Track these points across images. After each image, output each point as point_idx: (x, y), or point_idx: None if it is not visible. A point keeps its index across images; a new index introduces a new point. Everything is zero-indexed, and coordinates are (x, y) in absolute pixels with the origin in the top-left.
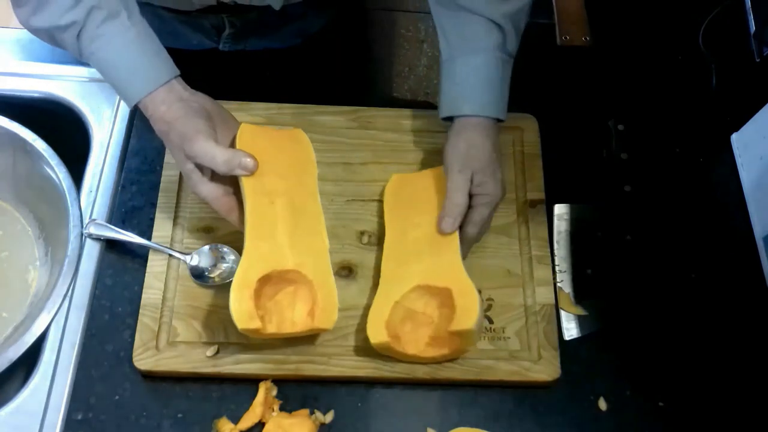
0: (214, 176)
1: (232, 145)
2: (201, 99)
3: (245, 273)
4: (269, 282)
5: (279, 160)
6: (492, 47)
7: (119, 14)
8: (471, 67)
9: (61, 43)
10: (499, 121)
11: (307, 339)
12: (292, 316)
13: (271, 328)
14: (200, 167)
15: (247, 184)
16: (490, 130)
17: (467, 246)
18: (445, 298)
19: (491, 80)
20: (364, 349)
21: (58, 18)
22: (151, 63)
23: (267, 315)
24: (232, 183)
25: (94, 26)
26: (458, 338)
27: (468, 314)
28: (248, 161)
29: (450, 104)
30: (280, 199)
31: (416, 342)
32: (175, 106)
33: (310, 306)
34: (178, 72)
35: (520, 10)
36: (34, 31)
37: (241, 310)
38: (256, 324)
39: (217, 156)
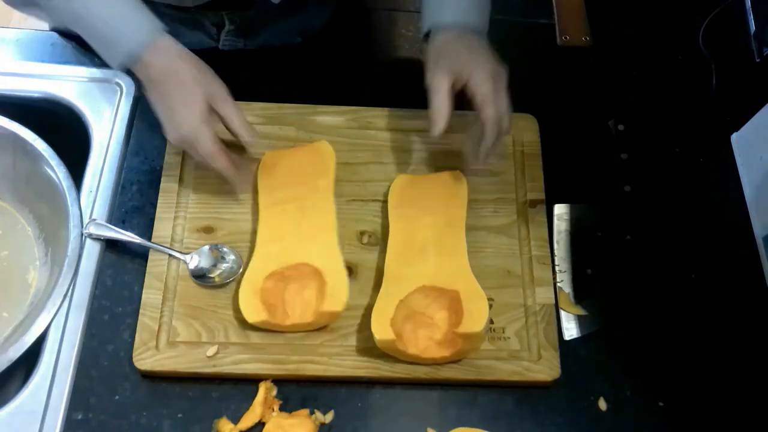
0: None
1: (256, 173)
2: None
3: (253, 272)
4: (278, 276)
5: (297, 173)
6: None
7: None
8: None
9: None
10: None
11: (310, 338)
12: (302, 306)
13: (282, 320)
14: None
15: (262, 199)
16: (476, 41)
17: (496, 140)
18: (450, 300)
19: None
20: (364, 349)
21: None
22: (142, 13)
23: (277, 306)
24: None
25: None
26: (463, 340)
27: (477, 317)
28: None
29: (430, 15)
30: (292, 204)
31: (416, 342)
32: (188, 56)
33: (320, 294)
34: (167, 27)
35: None
36: None
37: (248, 303)
38: (263, 316)
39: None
